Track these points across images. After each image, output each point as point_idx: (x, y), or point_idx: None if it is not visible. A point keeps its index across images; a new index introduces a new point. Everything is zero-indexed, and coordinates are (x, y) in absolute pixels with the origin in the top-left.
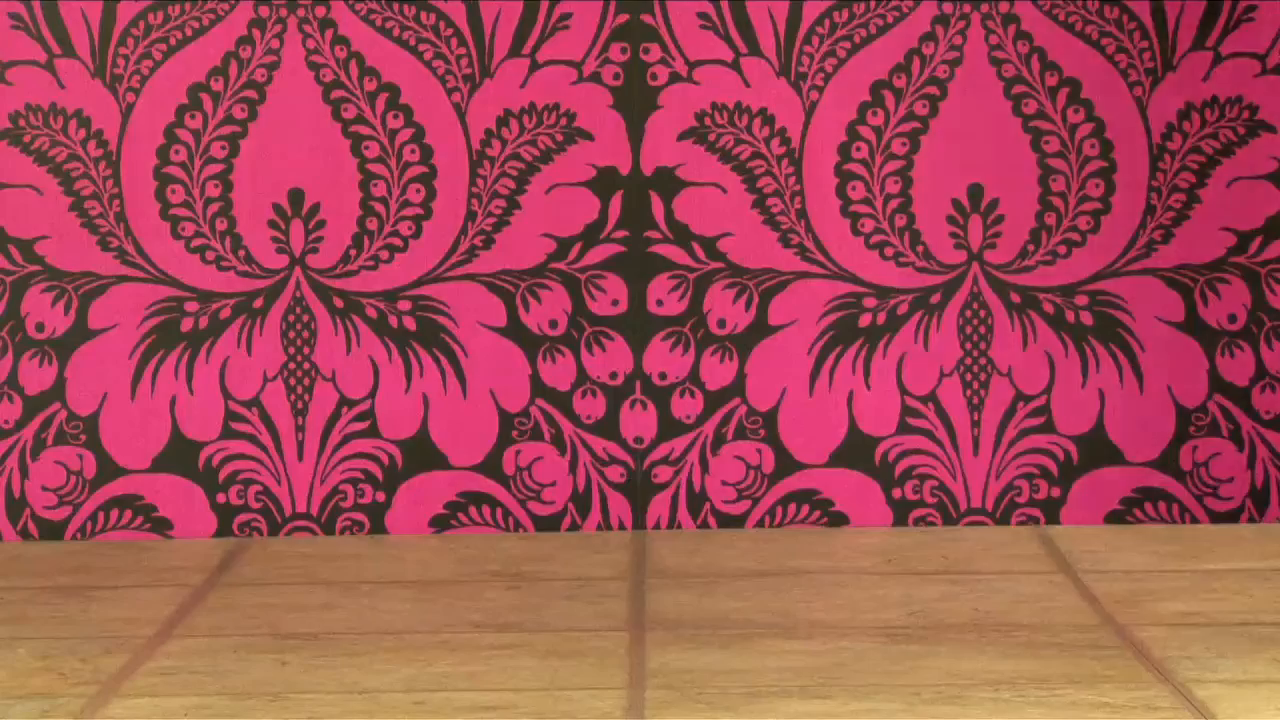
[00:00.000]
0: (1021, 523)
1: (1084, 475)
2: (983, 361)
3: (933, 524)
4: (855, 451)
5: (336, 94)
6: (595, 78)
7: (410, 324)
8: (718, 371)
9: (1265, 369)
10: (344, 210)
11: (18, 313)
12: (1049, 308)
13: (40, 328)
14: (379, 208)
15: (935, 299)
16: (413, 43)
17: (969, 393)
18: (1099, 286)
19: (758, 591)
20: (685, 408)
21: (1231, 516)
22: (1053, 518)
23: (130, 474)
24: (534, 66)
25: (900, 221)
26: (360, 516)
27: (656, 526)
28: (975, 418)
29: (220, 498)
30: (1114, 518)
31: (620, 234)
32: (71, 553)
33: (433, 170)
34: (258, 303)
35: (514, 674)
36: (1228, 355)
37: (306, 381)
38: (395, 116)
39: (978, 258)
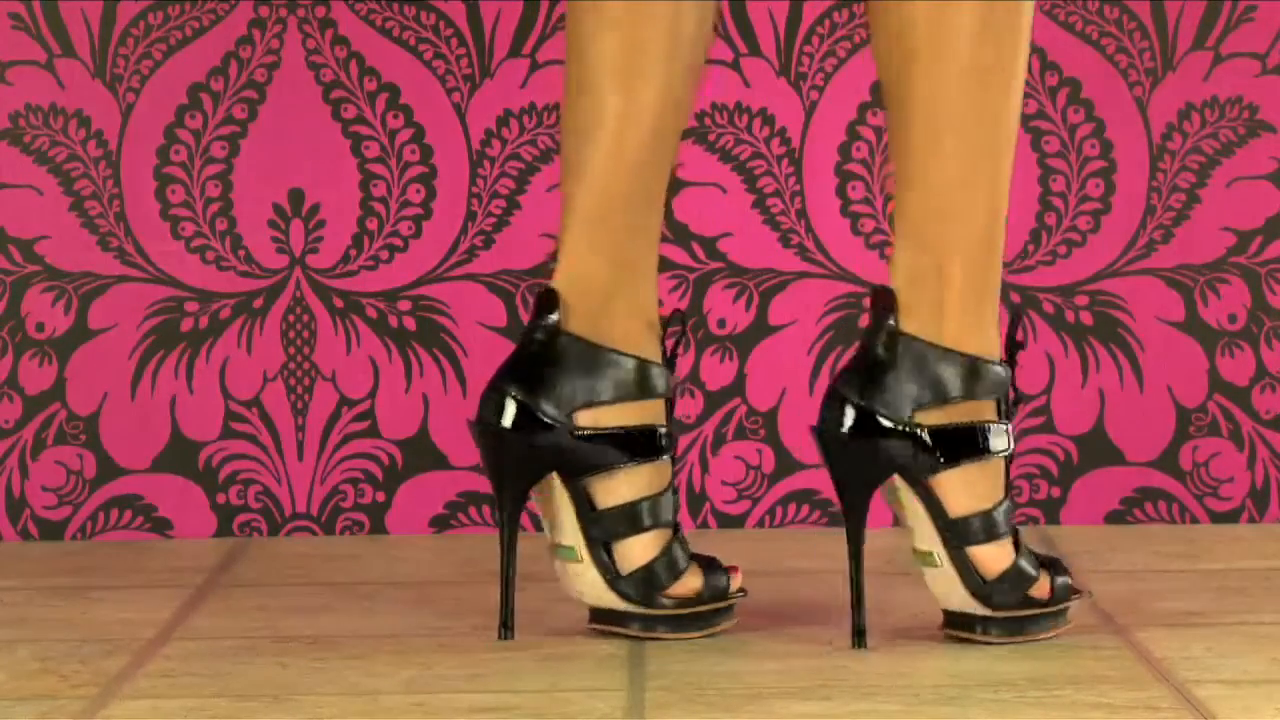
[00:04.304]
0: (1021, 523)
1: (1084, 475)
2: None
3: None
4: None
5: (336, 94)
6: None
7: (410, 324)
8: (718, 371)
9: (1265, 369)
10: (344, 210)
11: (18, 313)
12: (1049, 308)
13: (40, 328)
14: (379, 208)
15: None
16: (413, 43)
17: None
18: (1099, 286)
19: (758, 592)
20: (685, 408)
21: (1231, 516)
22: (1053, 518)
23: (130, 474)
24: (534, 66)
25: None
26: (360, 516)
27: None
28: None
29: (220, 498)
30: (1114, 518)
31: None
32: (71, 553)
33: (433, 170)
34: (258, 303)
35: (514, 675)
36: (1228, 355)
37: (306, 381)
38: (395, 116)
39: None
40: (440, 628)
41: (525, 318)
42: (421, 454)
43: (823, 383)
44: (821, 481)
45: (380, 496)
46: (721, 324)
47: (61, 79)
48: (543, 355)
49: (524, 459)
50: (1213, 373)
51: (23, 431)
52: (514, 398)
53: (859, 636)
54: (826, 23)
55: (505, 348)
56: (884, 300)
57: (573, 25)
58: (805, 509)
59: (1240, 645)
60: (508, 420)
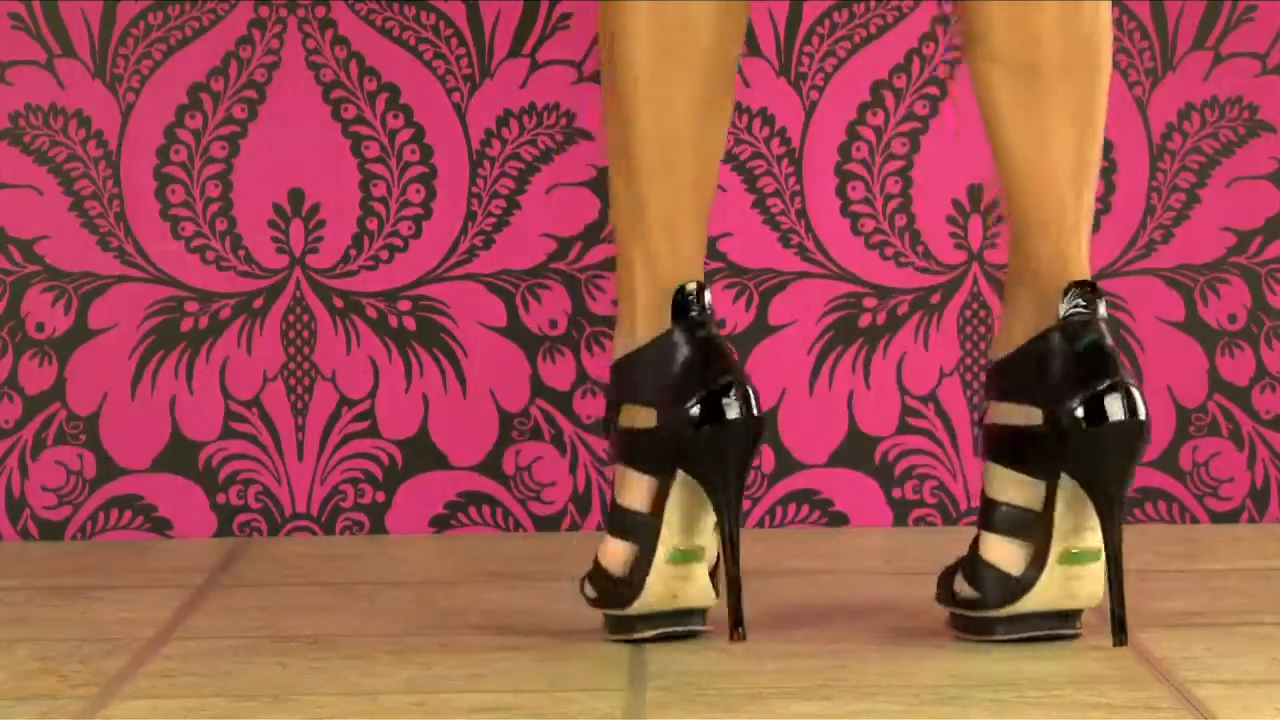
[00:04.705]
0: None
1: None
2: (983, 361)
3: (933, 524)
4: (855, 451)
5: (336, 94)
6: (595, 78)
7: (410, 324)
8: None
9: (1265, 369)
10: (344, 210)
11: (18, 313)
12: None
13: (40, 328)
14: (379, 208)
15: (935, 299)
16: (413, 43)
17: (969, 393)
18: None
19: (757, 592)
20: None
21: (1231, 516)
22: None
23: (130, 474)
24: (534, 66)
25: (900, 221)
26: (360, 516)
27: None
28: (975, 418)
29: (220, 498)
30: None
31: None
32: (71, 553)
33: (433, 170)
34: (258, 303)
35: (514, 675)
36: (1228, 355)
37: (306, 381)
38: (395, 116)
39: (978, 258)
40: (440, 628)
41: (525, 318)
42: (421, 454)
43: (823, 382)
44: (822, 481)
45: (380, 496)
46: (721, 324)
47: (61, 79)
48: (726, 349)
49: (753, 453)
50: (1213, 373)
51: (23, 431)
52: (754, 391)
53: (1120, 631)
54: (826, 23)
55: (505, 347)
56: (1097, 291)
57: (656, 27)
58: (805, 509)
59: (1240, 645)
60: (755, 412)
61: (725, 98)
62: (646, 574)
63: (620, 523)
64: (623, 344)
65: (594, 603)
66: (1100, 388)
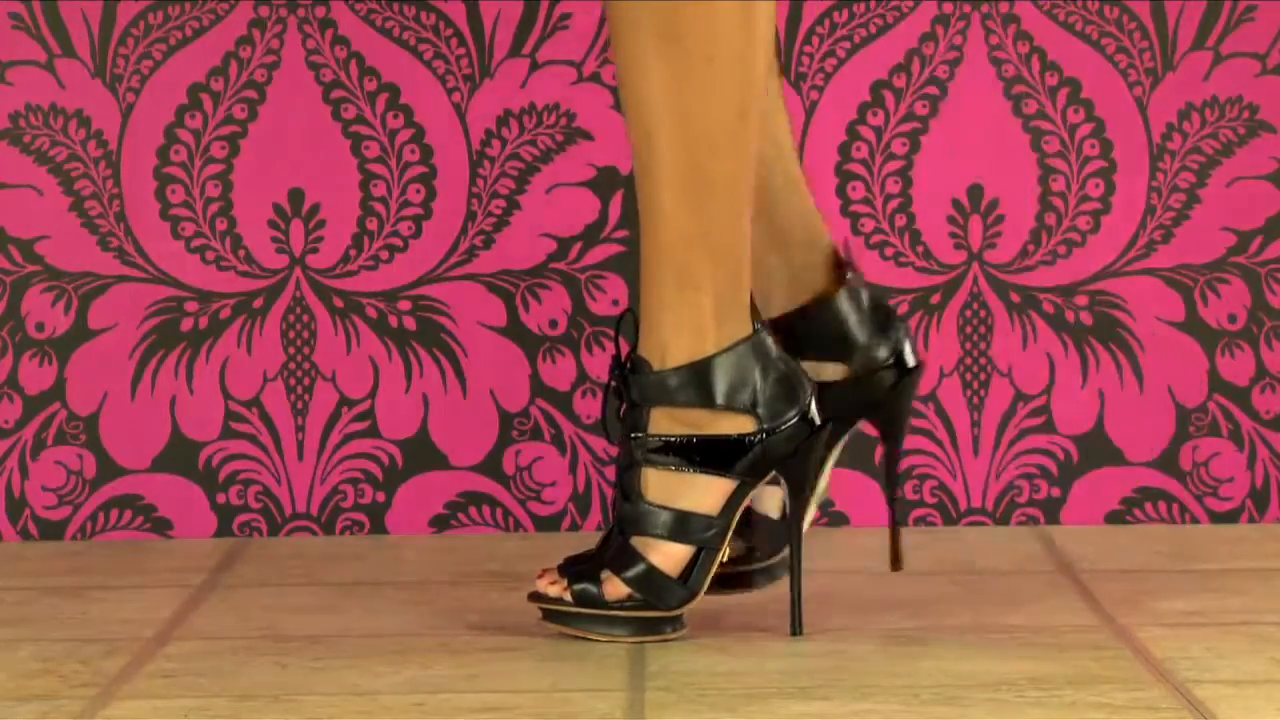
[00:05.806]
0: (1021, 523)
1: (1084, 475)
2: (983, 361)
3: (933, 524)
4: (854, 451)
5: (336, 94)
6: (595, 78)
7: (410, 324)
8: None
9: (1265, 369)
10: (344, 210)
11: (18, 313)
12: (1049, 308)
13: (40, 328)
14: (379, 208)
15: (935, 299)
16: (413, 43)
17: (969, 393)
18: (1099, 286)
19: (757, 592)
20: None
21: (1231, 516)
22: (1053, 518)
23: (130, 474)
24: (534, 66)
25: (900, 221)
26: (360, 516)
27: None
28: (975, 418)
29: (220, 498)
30: (1114, 518)
31: (620, 234)
32: (71, 553)
33: (433, 170)
34: (258, 303)
35: (514, 676)
36: (1228, 355)
37: (306, 381)
38: (395, 116)
39: (978, 258)
40: (440, 628)
41: (525, 318)
42: (421, 454)
43: None
44: None
45: (380, 496)
46: None
47: (61, 79)
48: None
49: None
50: (1213, 373)
51: (23, 431)
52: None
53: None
54: (826, 23)
55: (505, 347)
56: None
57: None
58: None
59: (1240, 645)
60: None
61: (757, 117)
62: (708, 575)
63: (680, 525)
64: (678, 353)
65: (618, 605)
66: (901, 337)
